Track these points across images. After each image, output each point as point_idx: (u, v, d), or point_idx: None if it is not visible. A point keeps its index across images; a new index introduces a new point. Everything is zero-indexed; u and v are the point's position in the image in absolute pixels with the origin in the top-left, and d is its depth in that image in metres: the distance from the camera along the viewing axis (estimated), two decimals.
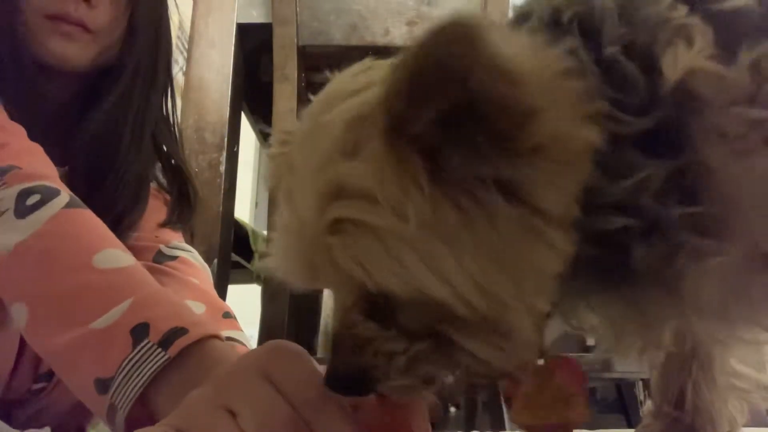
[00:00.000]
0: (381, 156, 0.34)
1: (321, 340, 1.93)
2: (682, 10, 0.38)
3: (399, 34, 1.30)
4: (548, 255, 0.35)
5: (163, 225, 0.88)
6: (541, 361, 0.43)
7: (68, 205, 0.59)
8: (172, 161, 0.90)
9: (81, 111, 0.81)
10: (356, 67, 0.42)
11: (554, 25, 0.40)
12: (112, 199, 0.77)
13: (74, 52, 0.76)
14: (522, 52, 0.35)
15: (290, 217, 0.37)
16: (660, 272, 0.39)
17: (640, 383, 1.57)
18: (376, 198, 0.34)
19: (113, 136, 0.80)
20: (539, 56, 0.37)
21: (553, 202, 0.35)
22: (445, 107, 0.33)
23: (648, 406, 0.62)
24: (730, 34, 0.37)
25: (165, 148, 0.89)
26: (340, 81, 0.42)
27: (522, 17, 0.43)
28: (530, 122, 0.33)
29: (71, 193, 0.61)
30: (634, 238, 0.38)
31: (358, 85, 0.39)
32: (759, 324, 0.44)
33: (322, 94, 0.41)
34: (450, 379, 0.39)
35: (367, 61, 0.42)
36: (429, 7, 1.30)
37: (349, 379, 0.39)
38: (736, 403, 0.58)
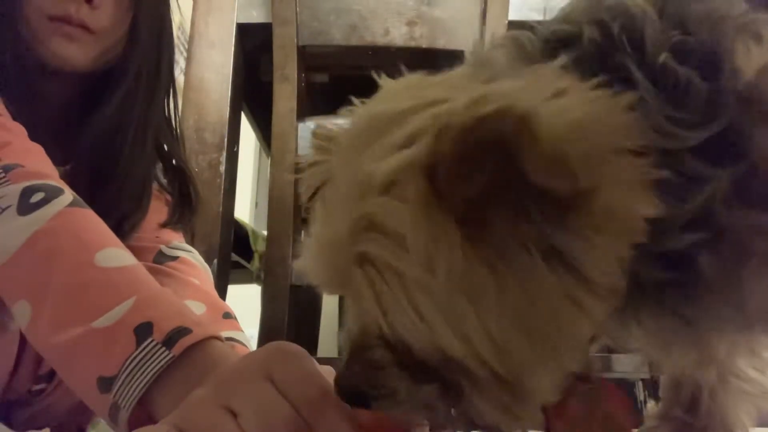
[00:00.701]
0: (418, 199, 0.33)
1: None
2: (741, 5, 0.36)
3: (399, 34, 1.29)
4: (583, 323, 0.34)
5: (164, 225, 0.88)
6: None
7: (71, 204, 0.59)
8: (174, 162, 0.90)
9: (83, 112, 0.81)
10: (408, 82, 0.41)
11: (605, 43, 0.38)
12: (115, 202, 0.77)
13: (76, 52, 0.76)
14: (572, 127, 0.33)
15: (325, 226, 0.38)
16: (725, 285, 0.37)
17: (640, 383, 1.56)
18: (405, 242, 0.33)
19: (116, 139, 0.80)
20: (593, 119, 0.34)
21: (600, 273, 0.34)
22: (493, 174, 0.32)
23: (651, 407, 0.62)
24: None
25: (166, 149, 0.89)
26: (390, 97, 0.40)
27: (563, 42, 0.40)
28: (583, 202, 0.32)
29: (74, 192, 0.61)
30: (702, 249, 0.36)
31: (408, 109, 0.37)
32: None
33: (371, 108, 0.40)
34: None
35: (418, 78, 0.40)
36: (429, 7, 1.30)
37: (353, 392, 0.39)
38: (746, 408, 0.57)
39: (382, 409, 0.39)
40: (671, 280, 0.37)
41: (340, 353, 2.51)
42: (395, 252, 0.33)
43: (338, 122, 0.46)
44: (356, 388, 0.39)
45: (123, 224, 0.70)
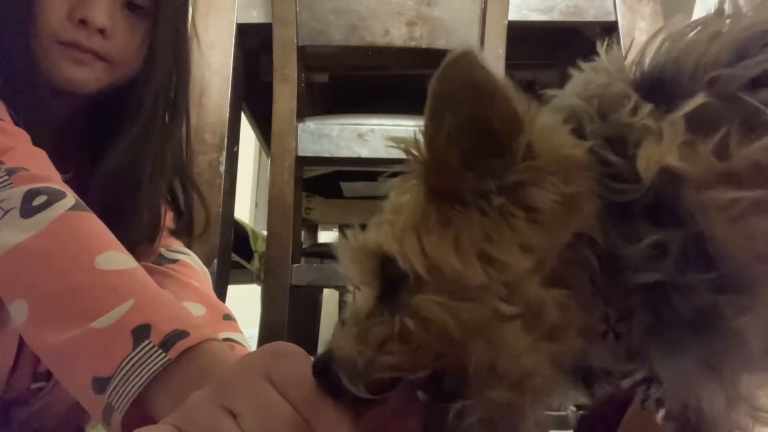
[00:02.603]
0: (419, 189, 0.44)
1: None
2: (645, 110, 0.42)
3: (399, 35, 1.30)
4: (508, 235, 0.41)
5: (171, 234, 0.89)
6: None
7: (73, 208, 0.59)
8: (183, 181, 0.90)
9: (93, 135, 0.81)
10: None
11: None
12: (128, 231, 0.75)
13: (86, 77, 0.76)
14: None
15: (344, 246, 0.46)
16: (717, 324, 0.41)
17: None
18: (393, 209, 0.45)
19: (133, 173, 0.79)
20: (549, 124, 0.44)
21: (542, 201, 0.41)
22: (461, 117, 0.41)
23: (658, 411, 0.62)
24: (697, 127, 0.40)
25: (178, 169, 0.89)
26: None
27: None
28: (521, 125, 0.40)
29: (76, 196, 0.61)
30: (670, 291, 0.41)
31: None
32: None
33: None
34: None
35: None
36: (429, 7, 1.30)
37: (320, 367, 0.43)
38: (746, 419, 0.58)
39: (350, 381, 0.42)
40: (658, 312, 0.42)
41: None
42: (381, 215, 0.45)
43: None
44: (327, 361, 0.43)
45: (134, 249, 0.68)
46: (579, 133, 0.44)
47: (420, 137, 0.44)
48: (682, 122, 0.40)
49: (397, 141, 0.45)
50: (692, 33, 0.44)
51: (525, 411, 0.41)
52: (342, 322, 0.44)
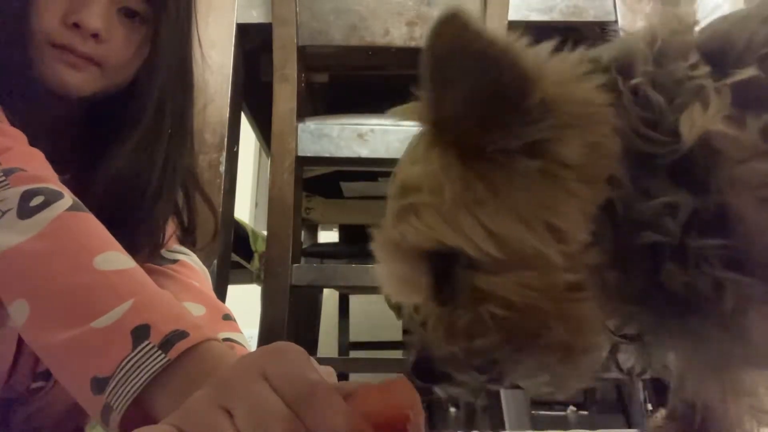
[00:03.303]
0: (430, 154, 0.43)
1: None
2: (704, 69, 0.41)
3: (399, 35, 1.29)
4: (569, 201, 0.41)
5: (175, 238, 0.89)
6: None
7: (71, 208, 0.59)
8: (187, 190, 0.90)
9: (94, 137, 0.80)
10: None
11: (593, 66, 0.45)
12: (132, 237, 0.74)
13: (79, 81, 0.75)
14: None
15: (378, 244, 0.46)
16: (713, 307, 0.41)
17: (640, 383, 1.56)
18: (423, 187, 0.43)
19: (137, 179, 0.79)
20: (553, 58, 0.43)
21: (573, 155, 0.40)
22: (466, 85, 0.40)
23: (661, 412, 0.62)
24: (743, 100, 0.40)
25: (187, 177, 0.89)
26: None
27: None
28: (532, 83, 0.40)
29: (74, 196, 0.61)
30: (664, 259, 0.41)
31: None
32: None
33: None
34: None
35: None
36: (429, 7, 1.30)
37: (423, 366, 0.44)
38: (751, 420, 0.58)
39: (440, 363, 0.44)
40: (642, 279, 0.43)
41: (339, 354, 2.52)
42: (416, 195, 0.43)
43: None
44: (427, 359, 0.44)
45: (136, 257, 0.67)
46: (627, 73, 0.43)
47: (425, 109, 0.42)
48: (728, 93, 0.40)
49: (402, 110, 0.44)
50: (744, 14, 0.43)
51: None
52: (421, 323, 0.45)
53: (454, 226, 0.41)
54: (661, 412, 0.62)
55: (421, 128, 0.44)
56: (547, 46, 0.44)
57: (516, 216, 0.40)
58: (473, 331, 0.42)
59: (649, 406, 1.53)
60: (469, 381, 0.43)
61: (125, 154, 0.77)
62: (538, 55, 0.42)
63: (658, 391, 1.37)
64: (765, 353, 0.42)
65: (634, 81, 0.42)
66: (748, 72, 0.40)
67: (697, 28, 0.44)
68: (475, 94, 0.40)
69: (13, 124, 0.68)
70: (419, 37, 1.30)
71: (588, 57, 0.44)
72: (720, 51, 0.42)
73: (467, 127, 0.41)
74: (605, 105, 0.41)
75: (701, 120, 0.39)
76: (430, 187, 0.42)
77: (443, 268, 0.43)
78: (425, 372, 0.44)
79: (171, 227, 0.87)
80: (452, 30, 0.38)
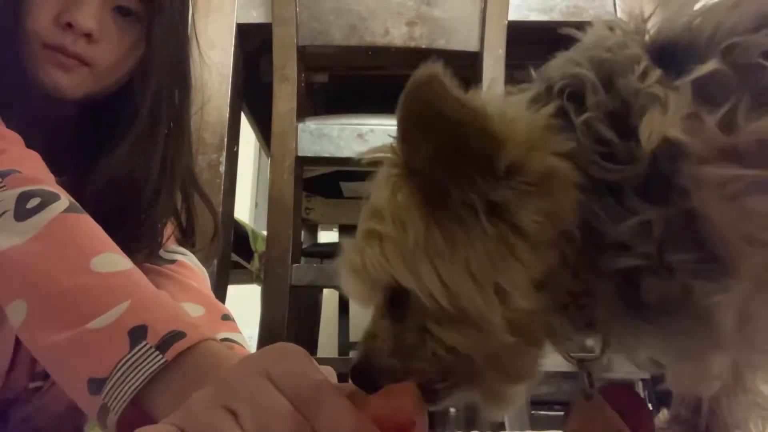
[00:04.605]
0: (397, 188, 0.45)
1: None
2: (654, 76, 0.41)
3: (399, 35, 1.29)
4: (518, 268, 0.42)
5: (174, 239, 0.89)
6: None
7: (68, 210, 0.59)
8: (186, 191, 0.89)
9: (91, 138, 0.80)
10: None
11: (547, 95, 0.46)
12: (129, 239, 0.74)
13: (69, 83, 0.75)
14: (491, 101, 0.44)
15: (347, 251, 0.48)
16: (683, 308, 0.42)
17: (640, 383, 1.56)
18: (386, 216, 0.44)
19: (133, 181, 0.78)
20: (516, 106, 0.45)
21: (528, 223, 0.42)
22: (437, 143, 0.42)
23: (663, 413, 0.62)
24: (707, 95, 0.40)
25: (185, 178, 0.88)
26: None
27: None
28: (499, 149, 0.41)
29: (71, 197, 0.61)
30: (643, 276, 0.42)
31: None
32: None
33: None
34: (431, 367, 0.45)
35: None
36: (429, 7, 1.30)
37: (361, 372, 0.47)
38: (756, 420, 0.58)
39: (379, 370, 0.46)
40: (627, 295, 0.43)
41: (339, 354, 2.51)
42: (381, 222, 0.45)
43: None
44: (361, 364, 0.47)
45: (133, 259, 0.66)
46: (578, 103, 0.43)
47: (398, 149, 0.44)
48: (689, 90, 0.39)
49: (374, 150, 0.46)
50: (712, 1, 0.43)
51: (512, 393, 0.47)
52: (371, 334, 0.47)
53: (413, 269, 0.43)
54: (663, 414, 0.62)
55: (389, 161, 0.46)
56: (522, 98, 0.45)
57: (469, 273, 0.42)
58: (416, 353, 0.45)
59: (650, 407, 1.53)
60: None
61: (121, 155, 0.77)
62: (507, 116, 0.43)
63: (659, 391, 1.37)
64: (735, 339, 0.42)
65: (584, 116, 0.42)
66: (709, 66, 0.39)
67: (653, 25, 0.44)
68: (445, 152, 0.42)
69: (9, 126, 0.68)
70: (419, 37, 1.30)
71: (538, 89, 0.46)
72: (676, 48, 0.42)
73: (435, 175, 0.43)
74: (566, 170, 0.42)
75: (659, 125, 0.39)
76: (394, 218, 0.44)
77: (397, 296, 0.45)
78: (362, 377, 0.47)
79: (169, 228, 0.87)
80: (427, 90, 0.40)
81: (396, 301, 0.46)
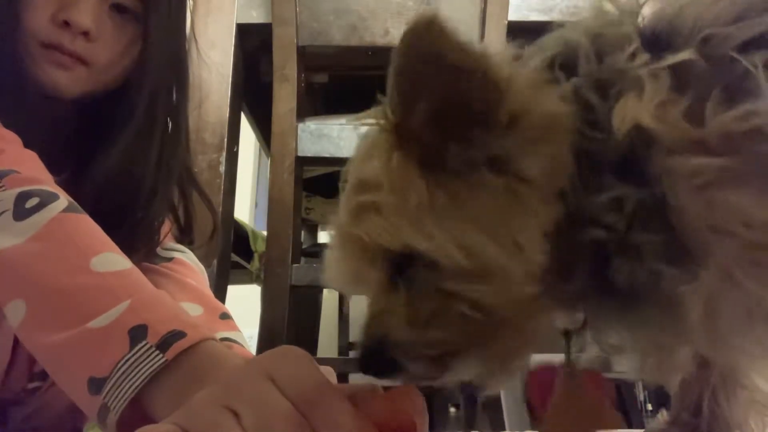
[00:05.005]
0: (389, 155, 0.42)
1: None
2: (642, 59, 0.41)
3: (399, 35, 1.28)
4: (531, 221, 0.41)
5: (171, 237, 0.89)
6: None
7: (66, 209, 0.58)
8: (183, 189, 0.89)
9: (89, 137, 0.80)
10: None
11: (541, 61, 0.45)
12: (127, 238, 0.72)
13: (67, 81, 0.75)
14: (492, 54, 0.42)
15: (334, 237, 0.46)
16: (652, 294, 0.42)
17: (640, 383, 1.56)
18: (381, 185, 0.42)
19: (130, 179, 0.78)
20: (512, 65, 0.43)
21: (533, 171, 0.41)
22: (435, 97, 0.40)
23: (662, 414, 0.62)
24: (681, 84, 0.40)
25: (183, 176, 0.88)
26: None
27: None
28: (502, 96, 0.40)
29: (69, 197, 0.61)
30: (613, 255, 0.42)
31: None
32: (743, 339, 0.45)
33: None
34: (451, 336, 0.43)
35: None
36: (429, 7, 1.30)
37: (374, 352, 0.44)
38: (757, 418, 0.58)
39: (402, 359, 0.43)
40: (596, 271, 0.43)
41: (339, 354, 2.50)
42: (377, 193, 0.42)
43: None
44: (374, 348, 0.44)
45: (131, 257, 0.64)
46: (571, 71, 0.43)
47: (389, 113, 0.42)
48: (667, 78, 0.40)
49: (362, 116, 0.44)
50: None
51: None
52: (378, 312, 0.45)
53: (423, 231, 0.41)
54: (662, 414, 0.62)
55: (378, 127, 0.44)
56: (511, 49, 0.44)
57: (481, 229, 0.41)
58: (435, 322, 0.43)
59: (649, 407, 1.53)
60: (417, 372, 0.43)
61: (117, 153, 0.77)
62: (507, 64, 0.42)
63: (659, 391, 1.37)
64: (702, 331, 0.43)
65: (574, 80, 0.42)
66: (684, 55, 0.39)
67: (645, 12, 0.44)
68: (443, 104, 0.40)
69: (6, 126, 0.68)
70: None
71: (540, 56, 0.45)
72: (666, 34, 0.42)
73: (431, 136, 0.41)
74: (567, 116, 0.41)
75: (632, 111, 0.39)
76: (392, 187, 0.42)
77: (399, 265, 0.43)
78: (378, 359, 0.44)
79: (166, 225, 0.87)
80: (427, 37, 0.38)
81: (401, 271, 0.44)
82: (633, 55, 0.41)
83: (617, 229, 0.41)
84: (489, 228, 0.41)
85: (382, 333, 0.44)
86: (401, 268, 0.43)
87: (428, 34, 0.37)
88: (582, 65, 0.43)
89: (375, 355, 0.44)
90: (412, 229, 0.41)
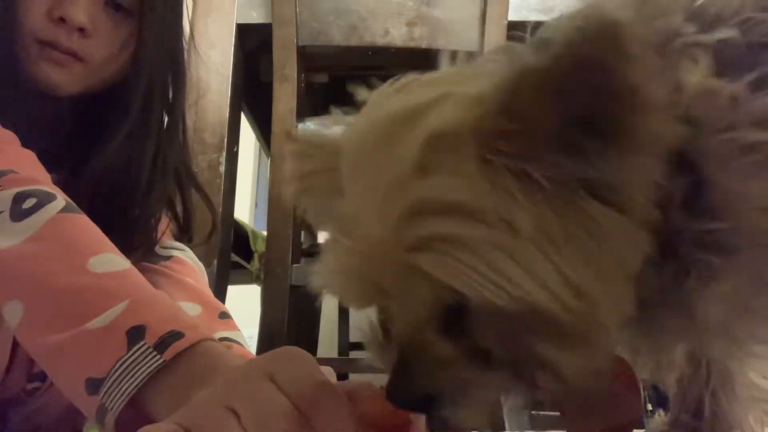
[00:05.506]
0: (473, 170, 0.35)
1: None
2: (691, 27, 0.39)
3: (398, 35, 1.30)
4: (634, 255, 0.36)
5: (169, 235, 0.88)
6: None
7: (64, 210, 0.58)
8: (182, 186, 0.89)
9: (82, 138, 0.80)
10: (403, 84, 0.41)
11: None
12: (124, 237, 0.73)
13: (63, 79, 0.75)
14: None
15: (349, 238, 0.38)
16: (669, 295, 0.40)
17: (640, 383, 1.56)
18: (470, 212, 0.34)
19: (126, 177, 0.78)
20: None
21: (643, 202, 0.36)
22: (575, 107, 0.33)
23: (660, 415, 0.62)
24: (720, 64, 0.38)
25: (180, 173, 0.88)
26: (390, 98, 0.41)
27: None
28: (648, 117, 0.34)
29: (67, 197, 0.61)
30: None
31: (427, 102, 0.38)
32: (762, 340, 0.44)
33: (380, 109, 0.40)
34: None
35: (415, 77, 0.41)
36: (429, 7, 1.30)
37: (415, 398, 0.39)
38: (757, 416, 0.58)
39: (446, 413, 0.38)
40: None
41: (339, 354, 2.50)
42: (460, 222, 0.34)
43: (326, 124, 0.47)
44: (420, 391, 0.38)
45: (129, 256, 0.63)
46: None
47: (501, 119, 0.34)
48: (711, 53, 0.38)
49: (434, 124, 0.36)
50: None
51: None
52: (408, 356, 0.39)
53: (534, 274, 0.34)
54: (660, 415, 0.62)
55: (443, 133, 0.36)
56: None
57: (592, 266, 0.35)
58: (504, 387, 0.38)
59: (649, 407, 1.53)
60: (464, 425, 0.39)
61: (113, 150, 0.77)
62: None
63: (659, 391, 1.37)
64: (719, 335, 0.42)
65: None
66: (727, 33, 0.38)
67: None
68: (579, 117, 0.33)
69: (3, 124, 0.68)
70: (419, 37, 1.30)
71: None
72: (706, 13, 0.41)
73: (545, 149, 0.34)
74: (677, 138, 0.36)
75: (695, 76, 0.37)
76: (483, 212, 0.34)
77: (454, 310, 0.37)
78: (418, 409, 0.40)
79: (164, 222, 0.87)
80: (598, 42, 0.31)
81: (453, 319, 0.37)
82: (683, 24, 0.39)
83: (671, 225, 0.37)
84: (601, 268, 0.35)
85: (433, 390, 0.38)
86: (454, 315, 0.37)
87: (601, 40, 0.32)
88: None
89: (418, 407, 0.40)
90: (524, 276, 0.34)
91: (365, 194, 0.37)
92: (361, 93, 0.43)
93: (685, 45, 0.38)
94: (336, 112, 0.48)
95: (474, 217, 0.34)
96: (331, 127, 0.48)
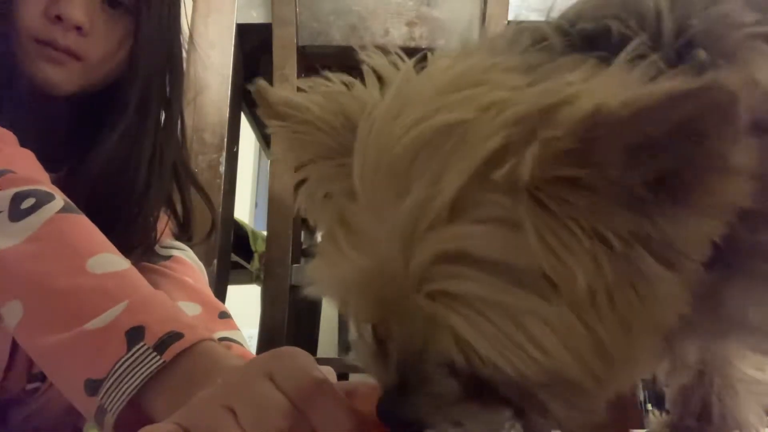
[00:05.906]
0: (522, 218, 0.31)
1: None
2: (752, 16, 0.36)
3: (398, 35, 1.30)
4: (672, 314, 0.34)
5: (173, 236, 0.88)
6: None
7: (63, 210, 0.58)
8: (181, 184, 0.89)
9: (84, 133, 0.80)
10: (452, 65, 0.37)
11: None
12: (123, 235, 0.73)
13: (60, 77, 0.75)
14: None
15: (357, 252, 0.34)
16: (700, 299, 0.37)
17: (640, 383, 1.56)
18: (509, 271, 0.31)
19: (124, 174, 0.78)
20: None
21: (697, 260, 0.33)
22: (659, 165, 0.30)
23: (655, 414, 0.62)
24: None
25: (178, 170, 0.88)
26: (436, 83, 0.36)
27: (589, 38, 0.39)
28: (728, 180, 0.31)
29: (66, 197, 0.61)
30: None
31: (468, 117, 0.33)
32: None
33: (416, 106, 0.35)
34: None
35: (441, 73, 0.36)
36: (429, 7, 1.30)
37: (408, 424, 0.38)
38: (755, 409, 0.58)
39: None
40: None
41: (339, 354, 2.50)
42: (500, 287, 0.31)
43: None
44: (419, 420, 0.37)
45: (128, 255, 0.64)
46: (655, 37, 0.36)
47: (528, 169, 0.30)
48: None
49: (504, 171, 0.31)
50: None
51: None
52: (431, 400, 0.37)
53: (572, 348, 0.31)
54: (655, 415, 0.62)
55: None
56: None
57: (626, 329, 0.32)
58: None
59: (649, 406, 1.53)
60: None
61: (110, 148, 0.77)
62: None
63: (659, 391, 1.37)
64: (736, 323, 0.41)
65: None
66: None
67: None
68: (661, 170, 0.30)
69: (1, 124, 0.68)
70: (419, 37, 1.30)
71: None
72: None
73: (610, 202, 0.31)
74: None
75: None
76: (521, 272, 0.31)
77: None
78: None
79: (163, 221, 0.87)
80: (703, 111, 0.28)
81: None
82: (743, 11, 0.37)
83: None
84: (635, 329, 0.32)
85: (429, 421, 0.37)
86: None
87: (705, 110, 0.28)
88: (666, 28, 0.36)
89: (408, 426, 0.38)
90: (562, 349, 0.31)
91: (386, 213, 0.33)
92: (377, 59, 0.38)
93: (747, 36, 0.36)
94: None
95: (512, 279, 0.31)
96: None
